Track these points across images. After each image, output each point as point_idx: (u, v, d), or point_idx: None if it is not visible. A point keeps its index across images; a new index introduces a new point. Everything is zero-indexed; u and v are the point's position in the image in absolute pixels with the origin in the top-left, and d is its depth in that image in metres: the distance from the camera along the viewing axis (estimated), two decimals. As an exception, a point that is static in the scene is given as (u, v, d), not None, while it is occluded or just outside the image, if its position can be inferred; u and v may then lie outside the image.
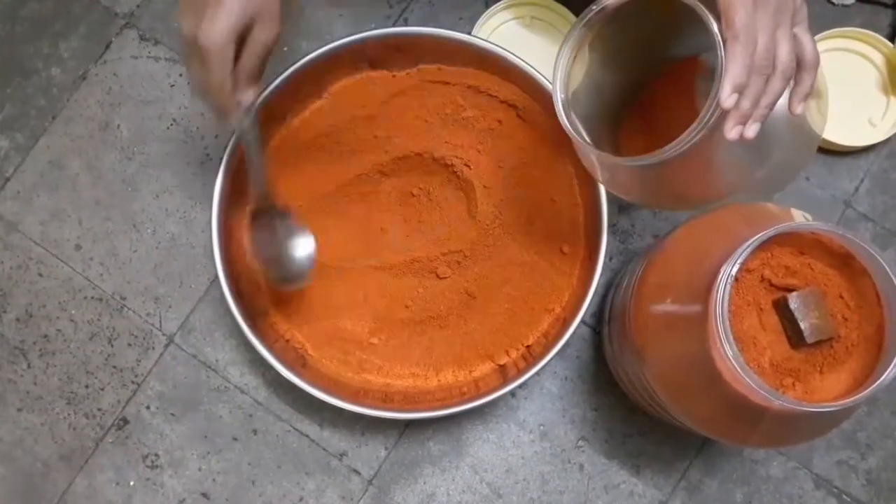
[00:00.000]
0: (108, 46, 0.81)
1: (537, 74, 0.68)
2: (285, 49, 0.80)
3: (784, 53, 0.46)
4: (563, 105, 0.54)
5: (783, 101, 0.49)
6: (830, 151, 0.77)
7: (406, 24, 0.80)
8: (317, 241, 0.65)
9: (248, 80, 0.53)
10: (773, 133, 0.51)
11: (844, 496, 0.74)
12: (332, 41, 0.68)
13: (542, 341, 0.69)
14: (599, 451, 0.75)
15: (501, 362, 0.71)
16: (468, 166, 0.72)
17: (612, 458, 0.75)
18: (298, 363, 0.69)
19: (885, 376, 0.48)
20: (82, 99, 0.80)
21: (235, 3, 0.48)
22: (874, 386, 0.48)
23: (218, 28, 0.48)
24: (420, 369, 0.71)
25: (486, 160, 0.73)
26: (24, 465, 0.76)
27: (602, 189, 0.66)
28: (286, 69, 0.67)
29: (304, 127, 0.72)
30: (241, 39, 0.51)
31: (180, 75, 0.80)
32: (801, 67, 0.48)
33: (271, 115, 0.69)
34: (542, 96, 0.69)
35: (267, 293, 0.71)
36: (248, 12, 0.49)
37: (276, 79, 0.67)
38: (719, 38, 0.46)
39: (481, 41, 0.69)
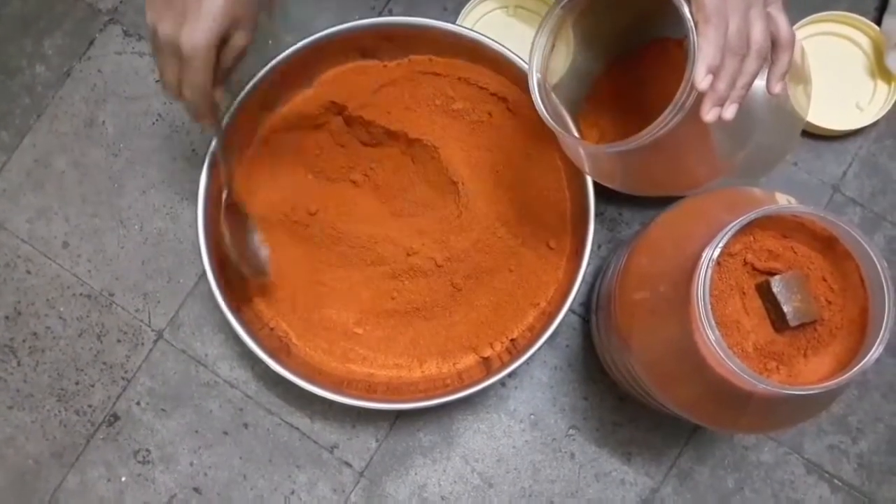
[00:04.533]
0: (91, 43, 0.81)
1: (527, 66, 0.67)
2: (270, 42, 0.79)
3: (758, 33, 0.45)
4: (539, 88, 0.54)
5: (762, 82, 0.49)
6: (818, 136, 0.76)
7: (391, 14, 0.80)
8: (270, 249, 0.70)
9: (221, 81, 0.54)
10: (753, 115, 0.51)
11: (836, 480, 0.74)
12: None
13: (527, 335, 0.69)
14: (590, 439, 0.75)
15: (485, 355, 0.71)
16: (457, 158, 0.72)
17: (603, 447, 0.75)
18: (282, 351, 0.69)
19: (869, 358, 0.48)
20: (67, 96, 0.80)
21: (219, 9, 0.49)
22: (857, 368, 0.48)
23: (203, 34, 0.49)
24: (404, 360, 0.71)
25: (476, 152, 0.72)
26: (16, 463, 0.76)
27: (590, 184, 0.66)
28: (276, 56, 0.67)
29: (293, 115, 0.72)
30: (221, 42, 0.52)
31: (165, 70, 0.80)
32: (777, 46, 0.48)
33: (261, 103, 0.69)
34: None
35: (252, 282, 0.71)
36: (230, 19, 0.50)
37: (266, 67, 0.67)
38: (691, 21, 0.45)
39: (473, 33, 0.68)
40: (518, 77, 0.68)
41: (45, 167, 0.79)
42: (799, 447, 0.74)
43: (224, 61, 0.53)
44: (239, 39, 0.52)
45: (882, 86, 0.75)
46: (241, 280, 0.70)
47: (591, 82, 0.66)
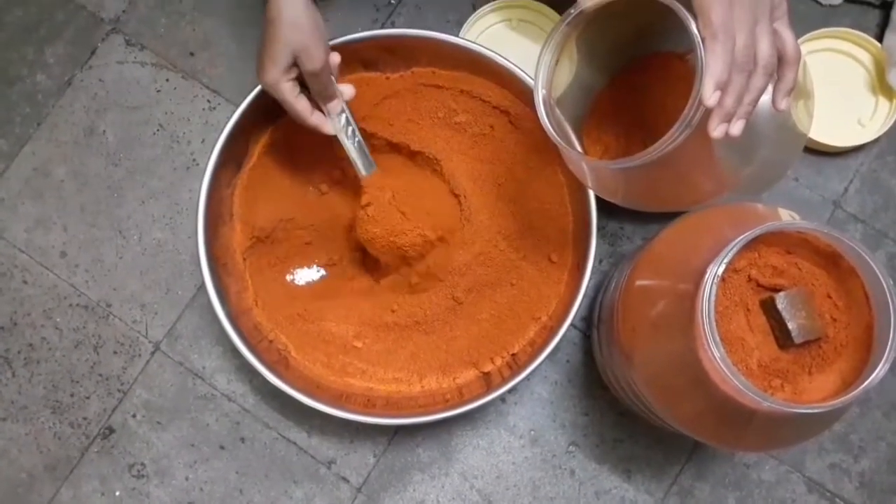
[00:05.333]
0: (93, 52, 0.80)
1: (530, 80, 0.67)
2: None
3: (764, 49, 0.45)
4: (544, 104, 0.54)
5: (767, 98, 0.49)
6: (819, 152, 0.76)
7: (393, 27, 0.80)
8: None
9: (322, 97, 0.63)
10: (758, 131, 0.51)
11: (837, 499, 0.73)
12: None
13: (528, 350, 0.69)
14: (590, 456, 0.74)
15: (486, 370, 0.70)
16: (460, 171, 0.72)
17: (604, 463, 0.74)
18: (281, 364, 0.68)
19: (874, 377, 0.47)
20: (68, 105, 0.80)
21: (280, 51, 0.59)
22: (863, 386, 0.47)
23: (265, 76, 0.61)
24: (404, 374, 0.70)
25: (478, 165, 0.72)
26: (9, 476, 0.75)
27: (592, 198, 0.66)
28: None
29: (294, 127, 0.71)
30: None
31: (167, 80, 0.80)
32: (783, 62, 0.48)
33: (263, 114, 0.69)
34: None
35: (252, 292, 0.70)
36: (290, 56, 0.60)
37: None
38: (698, 37, 0.45)
39: (476, 45, 0.68)
40: (520, 90, 0.68)
41: (45, 176, 0.79)
42: (800, 465, 0.73)
43: (309, 83, 0.62)
44: (305, 66, 0.60)
45: (884, 102, 0.75)
46: (242, 290, 0.70)
47: (594, 96, 0.66)
